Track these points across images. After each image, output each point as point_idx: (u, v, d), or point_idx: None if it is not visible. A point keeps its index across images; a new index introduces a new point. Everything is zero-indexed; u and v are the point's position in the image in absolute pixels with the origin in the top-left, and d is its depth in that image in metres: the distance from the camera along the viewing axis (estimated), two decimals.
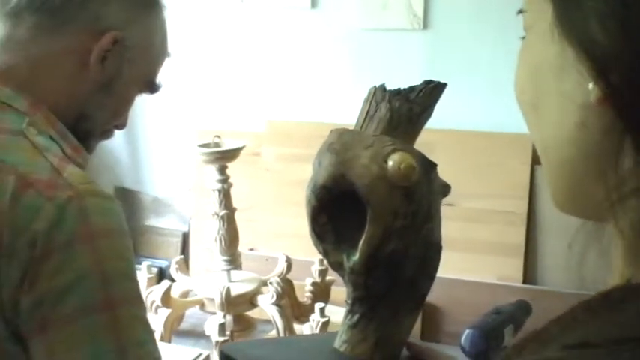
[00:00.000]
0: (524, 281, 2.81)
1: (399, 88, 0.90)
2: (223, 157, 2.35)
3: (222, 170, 2.38)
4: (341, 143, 0.87)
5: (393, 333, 0.92)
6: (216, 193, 2.40)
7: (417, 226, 0.85)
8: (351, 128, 0.91)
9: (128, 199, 3.41)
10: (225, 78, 3.12)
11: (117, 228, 0.94)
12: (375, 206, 0.84)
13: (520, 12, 0.59)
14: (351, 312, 0.92)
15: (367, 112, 0.90)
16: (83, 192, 0.91)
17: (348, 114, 3.15)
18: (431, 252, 0.89)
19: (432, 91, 0.90)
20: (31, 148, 0.94)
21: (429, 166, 0.87)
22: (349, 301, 0.92)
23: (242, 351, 1.00)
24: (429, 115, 0.92)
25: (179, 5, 3.09)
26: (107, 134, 1.14)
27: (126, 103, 1.13)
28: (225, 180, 2.40)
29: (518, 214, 2.76)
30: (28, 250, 0.87)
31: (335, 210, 0.90)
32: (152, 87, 1.16)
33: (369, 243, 0.85)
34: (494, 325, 1.12)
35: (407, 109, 0.89)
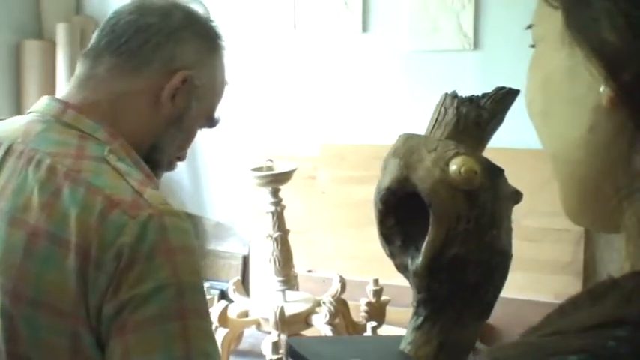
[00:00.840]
0: None
1: (471, 95, 0.91)
2: (275, 180, 2.41)
3: (274, 193, 2.44)
4: (406, 147, 0.90)
5: (458, 337, 0.93)
6: (270, 215, 2.46)
7: (481, 231, 0.86)
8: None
9: (191, 223, 3.50)
10: (280, 103, 3.20)
11: (191, 245, 1.04)
12: (437, 209, 0.86)
13: (529, 27, 0.61)
14: (415, 314, 0.94)
15: (436, 118, 0.92)
16: (162, 211, 1.01)
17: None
18: (496, 258, 0.89)
19: (503, 97, 0.91)
20: (113, 173, 1.05)
21: (495, 172, 0.88)
22: (414, 304, 0.94)
23: (309, 347, 1.03)
24: (500, 122, 0.93)
25: (236, 33, 3.19)
26: (171, 165, 1.26)
27: (191, 136, 1.25)
28: (278, 202, 2.45)
29: (575, 231, 2.73)
30: (114, 262, 0.96)
31: (403, 213, 0.92)
32: (212, 122, 1.28)
33: (431, 246, 0.87)
34: None
35: (475, 115, 0.90)
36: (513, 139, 2.77)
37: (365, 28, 3.00)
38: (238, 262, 3.36)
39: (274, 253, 2.47)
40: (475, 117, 0.90)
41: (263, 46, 3.18)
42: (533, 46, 0.59)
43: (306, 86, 3.14)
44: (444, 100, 0.92)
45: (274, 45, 3.17)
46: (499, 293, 0.92)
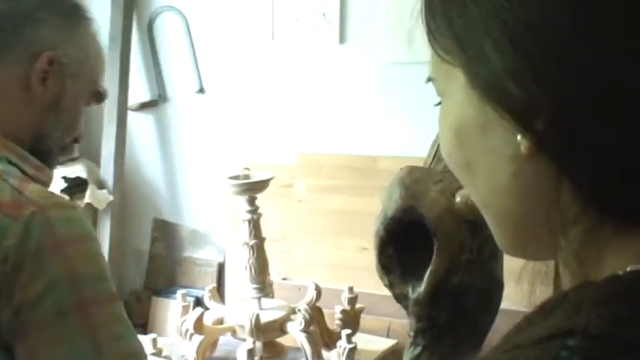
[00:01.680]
0: None
1: None
2: (252, 189, 2.43)
3: (251, 201, 2.46)
4: (411, 178, 0.91)
5: None
6: (246, 223, 2.47)
7: (483, 260, 0.87)
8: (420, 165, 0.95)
9: (167, 231, 3.51)
10: (258, 113, 3.22)
11: (82, 234, 1.00)
12: (442, 238, 0.86)
13: (429, 80, 0.63)
14: (413, 344, 0.93)
15: (434, 154, 0.94)
16: (45, 205, 0.98)
17: (377, 145, 3.17)
18: (493, 286, 0.91)
19: None
20: None
21: None
22: (411, 334, 0.93)
23: None
24: None
25: (215, 43, 3.21)
26: (66, 150, 1.20)
27: (76, 116, 1.18)
28: (254, 210, 2.47)
29: None
30: (0, 267, 0.94)
31: (401, 243, 0.93)
32: (97, 96, 1.22)
33: (435, 274, 0.87)
34: None
35: None
36: None
37: (342, 40, 3.04)
38: (214, 270, 3.38)
39: (250, 261, 2.48)
40: None
41: (241, 56, 3.20)
42: (438, 104, 0.61)
43: (283, 96, 3.17)
44: None
45: (252, 55, 3.19)
46: (494, 321, 0.94)
